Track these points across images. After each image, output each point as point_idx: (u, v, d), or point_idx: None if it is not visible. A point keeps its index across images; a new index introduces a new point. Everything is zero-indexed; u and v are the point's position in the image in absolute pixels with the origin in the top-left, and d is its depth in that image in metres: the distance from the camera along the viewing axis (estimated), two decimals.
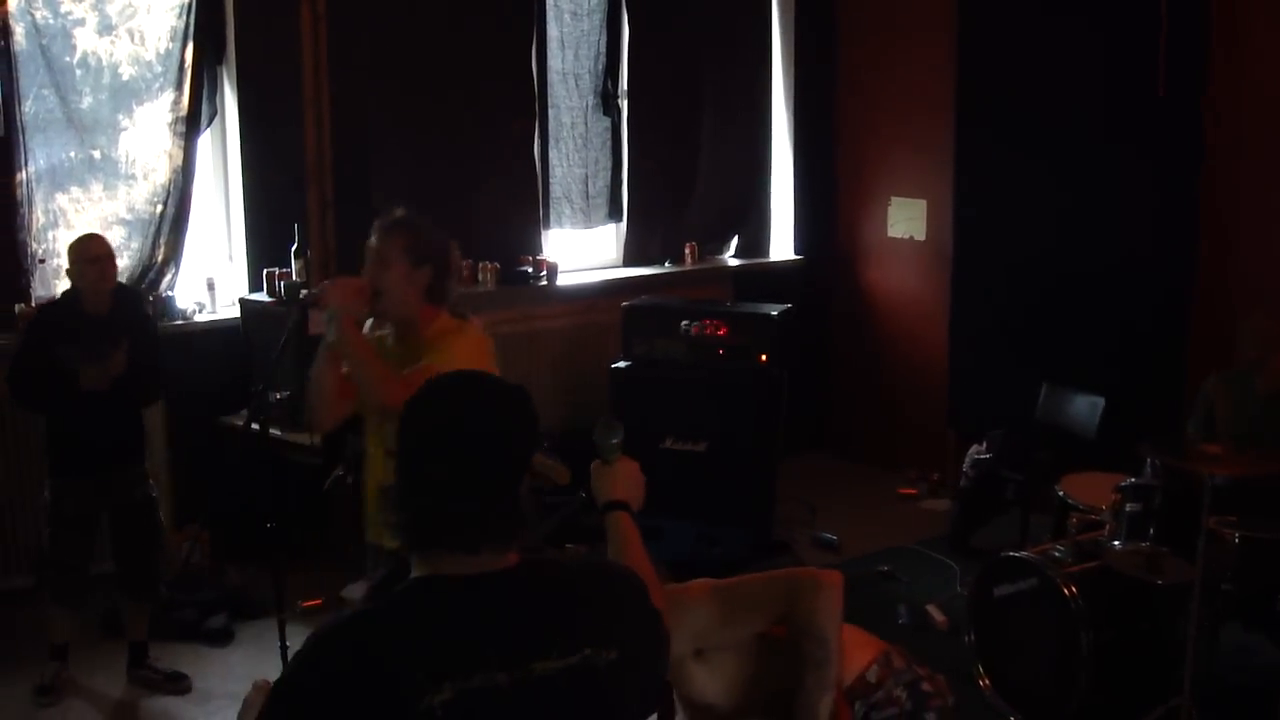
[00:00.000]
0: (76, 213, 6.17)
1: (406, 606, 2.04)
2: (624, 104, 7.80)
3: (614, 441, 2.78)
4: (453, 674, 1.94)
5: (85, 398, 4.95)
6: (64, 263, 6.06)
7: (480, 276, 7.16)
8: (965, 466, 6.99)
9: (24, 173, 5.93)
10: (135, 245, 6.31)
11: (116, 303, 5.15)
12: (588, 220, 7.81)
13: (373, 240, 3.95)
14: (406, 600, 2.05)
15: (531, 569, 2.12)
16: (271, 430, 5.50)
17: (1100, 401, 6.39)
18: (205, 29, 6.31)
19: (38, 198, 6.01)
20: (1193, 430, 5.54)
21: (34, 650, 5.38)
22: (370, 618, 2.05)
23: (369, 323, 4.05)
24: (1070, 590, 4.75)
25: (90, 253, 5.05)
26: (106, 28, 6.13)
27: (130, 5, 6.17)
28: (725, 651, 3.07)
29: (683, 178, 8.09)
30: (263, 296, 6.45)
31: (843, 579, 3.13)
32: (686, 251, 8.13)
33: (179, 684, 5.37)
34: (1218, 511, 4.58)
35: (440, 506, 2.04)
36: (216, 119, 6.51)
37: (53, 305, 5.39)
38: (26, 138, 5.93)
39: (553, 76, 7.50)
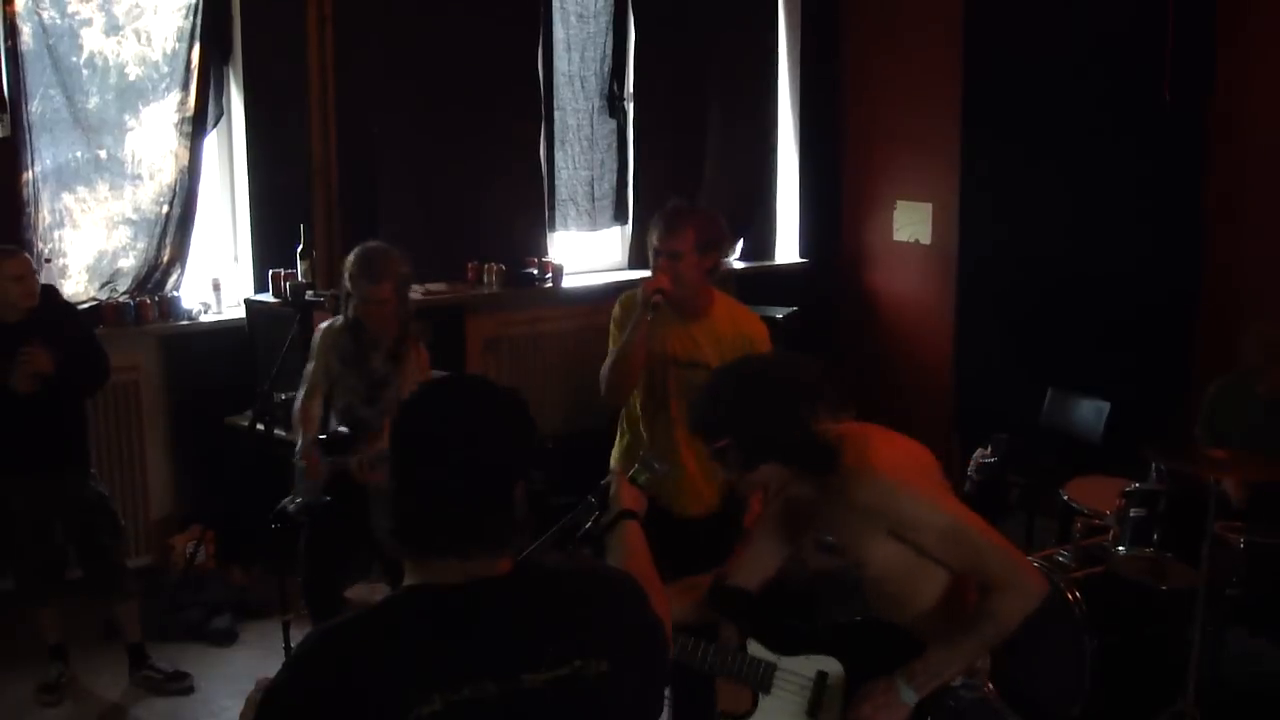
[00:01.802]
0: (83, 212, 6.17)
1: (395, 615, 2.03)
2: (630, 106, 7.80)
3: (658, 466, 2.87)
4: (441, 685, 1.93)
5: (18, 402, 4.89)
6: (70, 263, 6.11)
7: (485, 278, 7.16)
8: (970, 470, 6.97)
9: (30, 172, 5.93)
10: (141, 245, 6.32)
11: (38, 307, 5.05)
12: (593, 222, 7.81)
13: (661, 234, 4.24)
14: (395, 609, 2.04)
15: (524, 576, 2.10)
16: (276, 431, 5.50)
17: (1105, 406, 6.39)
18: (212, 30, 6.31)
19: (44, 197, 6.01)
20: (1200, 436, 5.53)
21: (38, 650, 5.38)
22: (359, 626, 2.03)
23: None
24: (1075, 595, 4.75)
25: (15, 272, 4.95)
26: (113, 28, 6.14)
27: (137, 6, 6.17)
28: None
29: (688, 180, 8.08)
30: (268, 297, 6.45)
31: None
32: None
33: (181, 683, 5.37)
34: (1223, 516, 4.58)
35: (431, 510, 2.02)
36: (222, 120, 6.52)
37: None
38: (33, 137, 5.93)
39: (558, 79, 7.50)
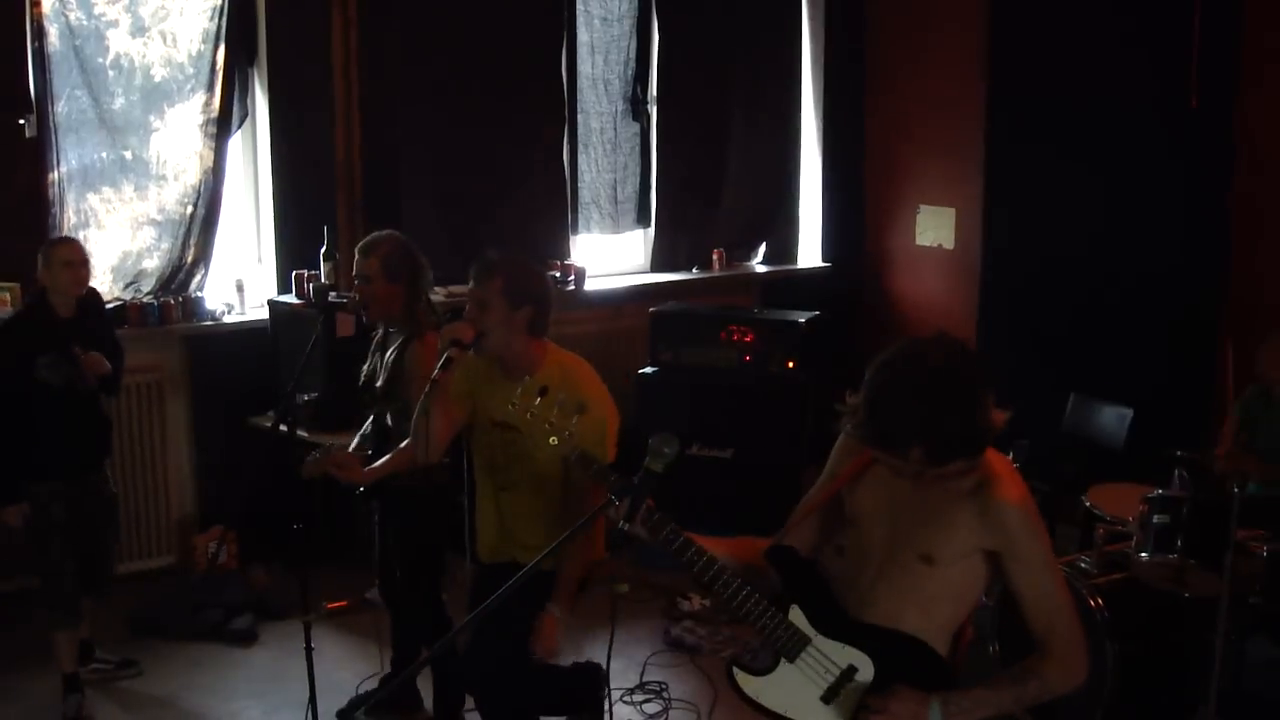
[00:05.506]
0: (108, 213, 6.21)
1: None
2: (653, 110, 7.80)
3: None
4: None
5: (66, 401, 4.93)
6: (95, 263, 6.13)
7: None
8: None
9: (56, 172, 5.97)
10: (165, 246, 6.35)
11: (83, 303, 5.10)
12: (616, 226, 7.82)
13: (470, 284, 3.97)
14: None
15: None
16: (299, 431, 5.51)
17: (1128, 412, 6.36)
18: (237, 31, 6.34)
19: (69, 197, 6.05)
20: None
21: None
22: None
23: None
24: (1096, 602, 4.73)
25: (67, 257, 4.99)
26: (139, 29, 6.17)
27: (163, 7, 6.21)
28: None
29: (711, 184, 8.08)
30: (291, 298, 6.47)
31: None
32: (714, 258, 8.13)
33: (131, 670, 5.44)
34: (1246, 524, 4.55)
35: None
36: (247, 121, 6.54)
37: (21, 316, 5.24)
38: (59, 138, 5.97)
39: (582, 82, 7.51)
